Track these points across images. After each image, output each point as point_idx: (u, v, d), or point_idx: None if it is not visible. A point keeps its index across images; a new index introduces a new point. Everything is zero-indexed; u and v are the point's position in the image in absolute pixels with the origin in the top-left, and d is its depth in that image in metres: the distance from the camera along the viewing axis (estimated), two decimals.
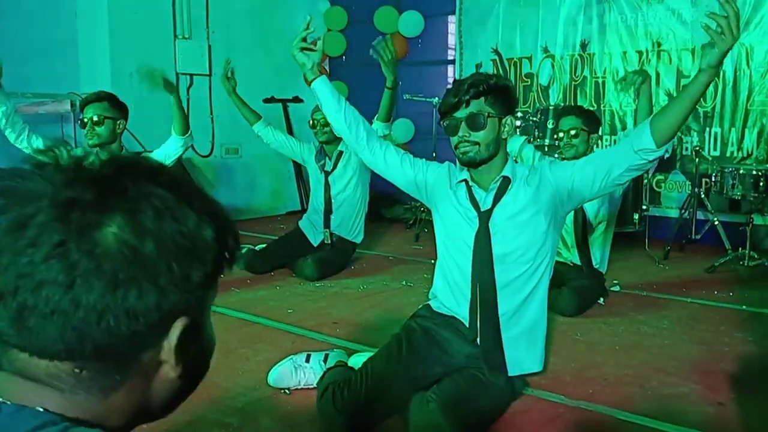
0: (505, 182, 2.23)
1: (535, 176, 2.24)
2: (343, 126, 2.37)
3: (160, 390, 0.73)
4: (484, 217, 2.22)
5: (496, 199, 2.22)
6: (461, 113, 2.18)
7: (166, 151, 3.63)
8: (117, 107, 3.50)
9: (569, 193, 2.21)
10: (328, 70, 7.31)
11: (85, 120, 3.41)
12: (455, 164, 2.42)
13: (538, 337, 2.35)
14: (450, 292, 2.33)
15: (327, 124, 4.27)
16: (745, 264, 4.45)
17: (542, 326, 2.35)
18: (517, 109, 2.93)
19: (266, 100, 6.97)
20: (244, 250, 4.52)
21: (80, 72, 5.82)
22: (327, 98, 2.37)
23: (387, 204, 6.62)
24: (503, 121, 2.22)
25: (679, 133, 5.31)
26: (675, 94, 5.37)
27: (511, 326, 2.24)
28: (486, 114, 2.17)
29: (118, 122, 3.50)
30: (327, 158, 4.40)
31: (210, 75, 6.38)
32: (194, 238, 0.67)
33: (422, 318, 2.38)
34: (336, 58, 7.28)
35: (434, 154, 5.64)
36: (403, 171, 2.40)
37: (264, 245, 4.56)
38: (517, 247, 2.22)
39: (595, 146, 3.62)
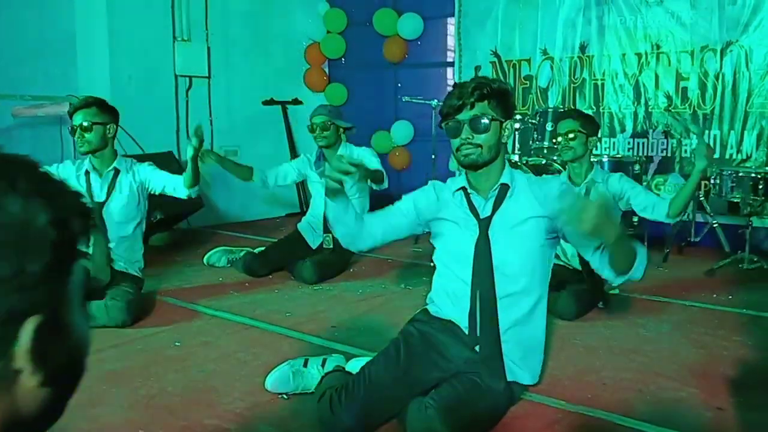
0: (504, 189, 2.23)
1: (543, 188, 2.24)
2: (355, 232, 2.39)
3: (27, 401, 0.63)
4: (484, 224, 2.22)
5: (495, 206, 2.22)
6: (465, 115, 2.18)
7: (166, 184, 3.59)
8: (106, 112, 3.46)
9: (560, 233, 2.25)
10: (327, 73, 7.32)
11: (75, 127, 3.39)
12: (443, 179, 2.43)
13: (537, 349, 2.35)
14: (448, 300, 2.32)
15: (326, 128, 4.27)
16: (744, 267, 4.44)
17: (542, 339, 2.35)
18: (515, 117, 2.96)
19: (265, 102, 6.97)
20: (242, 253, 4.52)
21: (78, 74, 5.81)
22: (343, 210, 2.35)
23: (386, 206, 6.61)
24: (504, 125, 2.22)
25: (677, 135, 5.35)
26: (674, 97, 5.37)
27: (508, 339, 2.24)
28: (490, 117, 2.17)
29: (108, 127, 3.46)
30: (327, 163, 4.37)
31: (209, 77, 6.37)
32: (21, 225, 0.58)
33: (420, 322, 2.37)
34: (335, 60, 7.27)
35: (433, 156, 5.63)
36: (403, 226, 2.40)
37: (262, 248, 4.56)
38: (517, 257, 2.21)
39: (594, 149, 3.61)
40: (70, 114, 3.45)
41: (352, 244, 2.41)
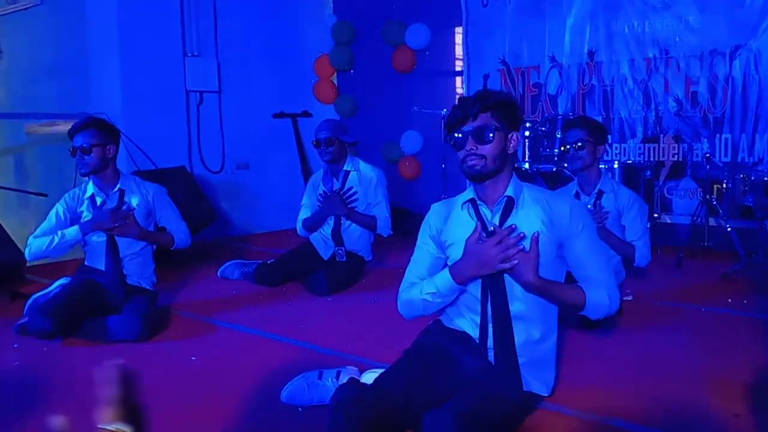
0: (509, 203, 2.23)
1: (554, 207, 2.25)
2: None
3: None
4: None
5: (503, 219, 2.22)
6: (468, 127, 2.18)
7: (167, 226, 3.66)
8: (105, 132, 3.41)
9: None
10: (336, 85, 7.35)
11: (75, 148, 3.35)
12: (452, 188, 2.43)
13: (547, 368, 2.35)
14: (461, 312, 2.32)
15: (330, 143, 4.26)
16: (759, 271, 4.41)
17: (552, 359, 2.35)
18: (524, 124, 2.94)
19: (276, 115, 7.01)
20: (255, 266, 4.53)
21: (91, 91, 5.88)
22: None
23: (398, 216, 6.62)
24: (509, 136, 2.22)
25: (688, 140, 5.34)
26: (684, 102, 5.36)
27: (522, 353, 2.24)
28: (493, 127, 2.17)
29: (108, 147, 3.40)
30: (334, 179, 4.39)
31: (219, 92, 6.43)
32: None
33: (434, 333, 2.37)
34: (344, 71, 7.31)
35: (443, 166, 5.65)
36: (433, 266, 2.38)
37: (274, 260, 4.57)
38: None
39: (603, 156, 3.61)
40: (70, 135, 3.40)
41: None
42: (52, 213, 3.51)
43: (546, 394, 2.34)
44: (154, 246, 3.64)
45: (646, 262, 3.41)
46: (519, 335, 2.23)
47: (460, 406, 2.05)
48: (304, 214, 4.49)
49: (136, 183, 3.59)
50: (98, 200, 3.46)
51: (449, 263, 2.29)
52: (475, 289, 2.24)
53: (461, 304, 2.31)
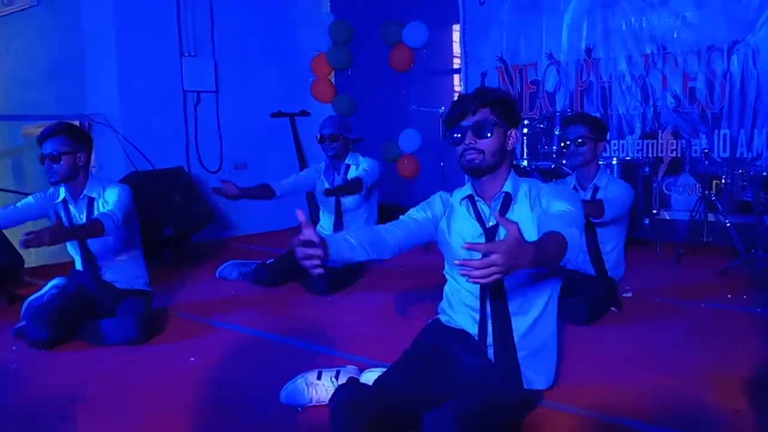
0: (507, 198, 2.23)
1: (535, 194, 2.24)
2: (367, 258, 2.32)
3: None
4: (491, 233, 2.21)
5: (501, 214, 2.21)
6: (468, 122, 2.19)
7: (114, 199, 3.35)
8: (75, 140, 3.28)
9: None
10: (334, 84, 7.34)
11: (44, 156, 3.23)
12: (451, 186, 2.42)
13: (550, 354, 2.34)
14: (460, 310, 2.32)
15: (335, 139, 4.31)
16: (759, 266, 4.41)
17: (553, 346, 2.34)
18: (523, 122, 2.91)
19: (274, 115, 7.00)
20: (254, 266, 4.53)
21: (88, 93, 5.87)
22: (349, 259, 2.32)
23: (395, 215, 6.61)
24: (508, 132, 2.22)
25: (686, 136, 5.33)
26: (682, 98, 5.35)
27: (523, 346, 2.23)
28: (492, 123, 2.17)
29: (78, 156, 3.28)
30: (336, 173, 4.42)
31: (216, 92, 6.42)
32: None
33: (433, 332, 2.37)
34: (341, 71, 7.29)
35: (441, 164, 5.64)
36: (421, 231, 2.35)
37: (273, 260, 4.56)
38: None
39: (602, 153, 3.60)
40: (39, 141, 3.27)
41: (374, 262, 2.42)
42: (23, 201, 3.47)
43: (547, 386, 2.33)
44: (139, 241, 3.59)
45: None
46: (520, 323, 2.22)
47: (460, 406, 2.04)
48: (286, 180, 4.52)
49: (103, 188, 3.41)
50: (71, 207, 3.39)
51: (440, 247, 2.33)
52: (473, 286, 2.23)
53: (460, 302, 2.30)
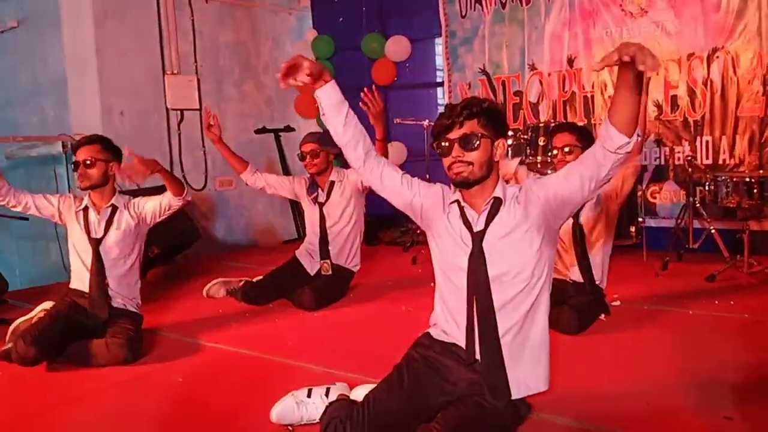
0: (497, 203, 2.22)
1: (523, 194, 2.24)
2: (343, 141, 2.37)
3: None
4: (478, 238, 2.21)
5: (489, 219, 2.21)
6: (455, 134, 2.18)
7: (159, 202, 3.57)
8: (109, 150, 3.49)
9: (561, 204, 2.19)
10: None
11: (78, 162, 3.41)
12: (449, 186, 2.39)
13: (541, 354, 2.32)
14: (449, 317, 2.30)
15: (316, 155, 4.27)
16: (744, 271, 4.44)
17: (545, 343, 2.32)
18: (509, 132, 2.91)
19: (258, 131, 7.00)
20: (241, 284, 4.50)
21: (71, 113, 5.83)
22: (328, 109, 2.35)
23: (383, 227, 6.62)
24: (495, 143, 2.21)
25: (669, 143, 5.37)
26: (664, 106, 5.41)
27: (513, 346, 2.21)
28: (479, 134, 2.17)
29: (111, 165, 3.47)
30: (320, 189, 4.38)
31: (200, 109, 6.40)
32: None
33: (423, 347, 2.35)
34: None
35: (428, 176, 5.64)
36: (401, 193, 2.39)
37: (261, 277, 4.53)
38: (512, 267, 2.19)
39: None
40: (74, 149, 3.48)
41: (346, 153, 2.41)
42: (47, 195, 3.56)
43: (544, 389, 2.30)
44: (140, 264, 3.62)
45: None
46: (506, 321, 2.19)
47: (450, 419, 2.03)
48: (278, 180, 4.56)
49: (130, 199, 3.60)
50: (91, 214, 3.47)
51: (431, 233, 2.35)
52: (461, 285, 2.21)
53: (449, 305, 2.29)
